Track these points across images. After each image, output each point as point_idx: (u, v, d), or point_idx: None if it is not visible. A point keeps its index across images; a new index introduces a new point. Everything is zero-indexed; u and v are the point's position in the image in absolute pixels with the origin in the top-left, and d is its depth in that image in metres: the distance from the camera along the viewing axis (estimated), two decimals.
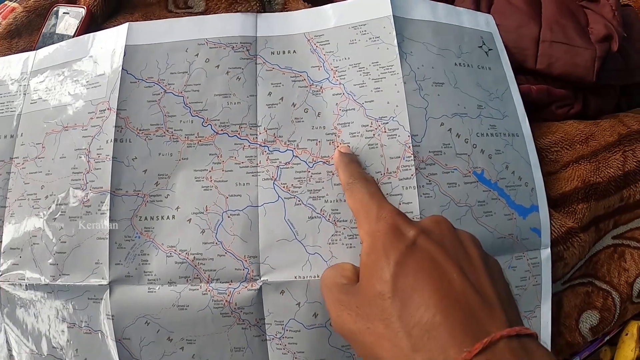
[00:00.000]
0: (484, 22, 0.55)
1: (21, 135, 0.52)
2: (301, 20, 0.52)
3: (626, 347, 0.57)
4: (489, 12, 0.58)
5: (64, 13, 0.61)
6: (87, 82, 0.51)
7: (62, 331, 0.46)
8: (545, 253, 0.49)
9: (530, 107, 0.55)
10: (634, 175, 0.56)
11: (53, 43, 0.58)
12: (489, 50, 0.53)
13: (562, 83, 0.59)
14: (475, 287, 0.32)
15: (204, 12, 0.59)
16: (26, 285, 0.47)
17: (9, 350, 0.48)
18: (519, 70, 0.58)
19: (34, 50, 0.59)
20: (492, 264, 0.36)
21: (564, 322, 0.54)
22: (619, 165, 0.56)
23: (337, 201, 0.45)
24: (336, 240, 0.44)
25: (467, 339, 0.29)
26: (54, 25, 0.61)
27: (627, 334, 0.58)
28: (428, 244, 0.34)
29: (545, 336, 0.50)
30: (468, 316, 0.30)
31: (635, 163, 0.56)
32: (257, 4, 0.57)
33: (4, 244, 0.49)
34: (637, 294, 0.55)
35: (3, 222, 0.50)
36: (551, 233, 0.50)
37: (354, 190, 0.40)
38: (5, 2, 0.78)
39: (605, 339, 0.59)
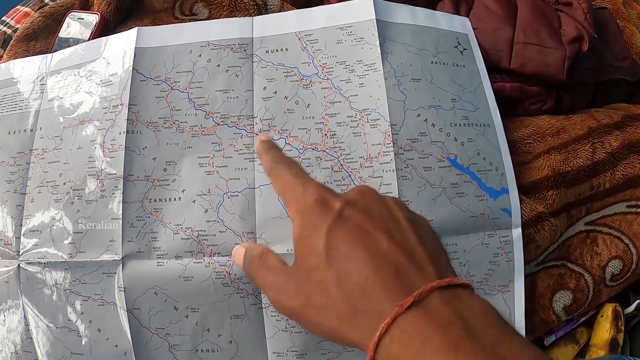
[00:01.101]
0: (460, 24, 0.59)
1: (40, 129, 0.56)
2: (293, 20, 0.56)
3: (601, 328, 0.59)
4: (467, 17, 0.62)
5: (78, 19, 0.65)
6: (101, 80, 0.56)
7: (77, 304, 0.50)
8: (517, 232, 0.52)
9: (504, 103, 0.58)
10: (602, 165, 0.59)
11: (69, 46, 0.62)
12: (464, 49, 0.57)
13: (535, 81, 0.62)
14: (403, 247, 0.33)
15: (208, 19, 0.64)
16: (45, 263, 0.50)
17: (27, 325, 0.51)
18: (495, 70, 0.61)
19: (50, 52, 0.63)
20: (420, 223, 0.37)
21: (538, 301, 0.56)
22: (588, 156, 0.59)
23: (324, 183, 0.49)
24: None
25: (399, 294, 0.30)
26: (70, 29, 0.65)
27: (602, 316, 0.60)
28: (354, 213, 0.35)
29: (519, 311, 0.52)
30: (398, 273, 0.32)
31: (604, 154, 0.59)
32: (255, 12, 0.62)
33: (24, 227, 0.53)
34: (610, 277, 0.58)
35: (23, 207, 0.53)
36: (522, 217, 0.53)
37: (278, 173, 0.40)
38: (18, 7, 0.82)
39: (581, 320, 0.61)
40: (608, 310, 0.60)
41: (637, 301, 0.60)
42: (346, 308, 0.32)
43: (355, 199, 0.36)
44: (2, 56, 0.72)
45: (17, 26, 0.75)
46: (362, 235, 0.34)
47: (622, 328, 0.59)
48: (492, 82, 0.57)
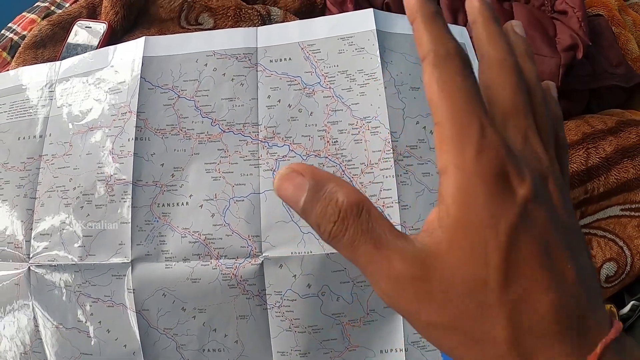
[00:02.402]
0: (457, 33, 0.60)
1: (49, 135, 0.58)
2: (296, 30, 0.57)
3: None
4: (465, 26, 0.63)
5: (86, 27, 0.67)
6: (109, 88, 0.57)
7: (87, 306, 0.51)
8: None
9: None
10: (596, 170, 0.60)
11: (77, 54, 0.63)
12: None
13: None
14: (582, 276, 0.24)
15: (213, 28, 0.65)
16: (55, 265, 0.52)
17: (36, 325, 0.52)
18: None
19: (58, 58, 0.65)
20: (579, 234, 0.27)
21: None
22: (582, 161, 0.60)
23: None
24: None
25: (576, 351, 0.23)
26: (78, 37, 0.67)
27: None
28: (541, 215, 0.24)
29: None
30: (580, 322, 0.23)
31: (598, 159, 0.61)
32: (259, 22, 0.63)
33: (34, 231, 0.54)
34: (605, 279, 0.59)
35: (34, 211, 0.55)
36: None
37: (447, 76, 0.25)
38: (24, 14, 0.83)
39: None
40: None
41: (632, 302, 0.61)
42: (509, 354, 0.23)
43: (540, 187, 0.25)
44: (9, 62, 0.74)
45: (24, 33, 0.77)
46: (548, 255, 0.23)
47: None
48: None
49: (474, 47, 0.59)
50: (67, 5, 0.79)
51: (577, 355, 0.23)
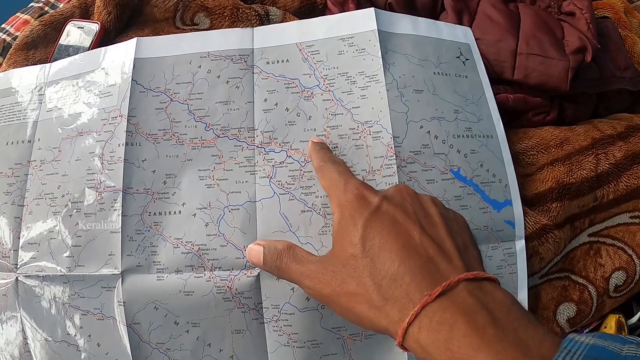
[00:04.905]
0: (462, 34, 0.59)
1: (38, 140, 0.56)
2: (293, 31, 0.56)
3: None
4: (470, 27, 0.62)
5: (78, 28, 0.65)
6: (100, 91, 0.55)
7: (76, 318, 0.49)
8: (520, 244, 0.52)
9: (508, 115, 0.58)
10: (606, 177, 0.59)
11: (69, 55, 0.62)
12: (466, 60, 0.57)
13: (539, 92, 0.62)
14: (434, 239, 0.36)
15: (209, 29, 0.63)
16: (43, 276, 0.50)
17: (24, 338, 0.51)
18: (498, 80, 0.61)
19: (50, 59, 0.63)
20: (454, 218, 0.40)
21: (542, 313, 0.56)
22: (592, 167, 0.58)
23: (326, 196, 0.48)
24: (326, 231, 0.48)
25: (428, 284, 0.33)
26: (70, 38, 0.65)
27: (605, 327, 0.59)
28: (390, 208, 0.38)
29: None
30: (428, 264, 0.34)
31: (607, 165, 0.59)
32: (257, 22, 0.61)
33: (22, 239, 0.52)
34: (614, 289, 0.58)
35: (21, 219, 0.53)
36: (526, 229, 0.53)
37: (325, 170, 0.44)
38: (17, 14, 0.81)
39: (585, 332, 0.60)
40: (611, 321, 0.59)
41: None
42: (377, 295, 0.34)
43: (392, 195, 0.40)
44: (1, 64, 0.72)
45: (17, 34, 0.75)
46: (396, 227, 0.36)
47: None
48: (495, 93, 0.57)
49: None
50: (61, 5, 0.78)
51: (428, 287, 0.32)
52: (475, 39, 0.60)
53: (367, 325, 0.36)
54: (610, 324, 0.59)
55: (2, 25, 0.79)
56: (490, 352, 0.28)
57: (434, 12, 0.66)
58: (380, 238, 0.36)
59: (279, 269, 0.42)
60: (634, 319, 0.60)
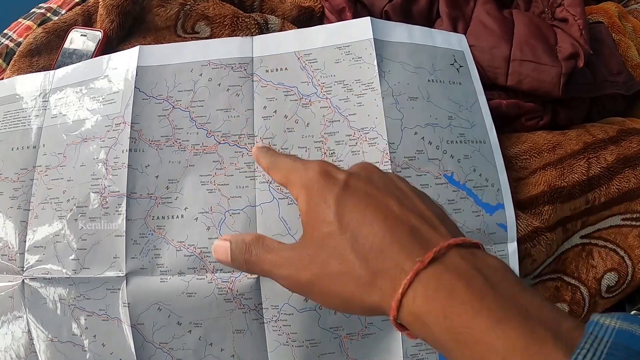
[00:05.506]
0: (456, 41, 0.60)
1: (43, 146, 0.57)
2: (292, 39, 0.57)
3: None
4: (464, 34, 0.62)
5: (81, 35, 0.66)
6: (103, 99, 0.57)
7: (82, 319, 0.50)
8: (512, 247, 0.53)
9: (501, 120, 0.59)
10: (598, 180, 0.60)
11: (72, 63, 0.63)
12: (460, 67, 0.58)
13: (532, 97, 0.63)
14: (413, 210, 0.34)
15: (209, 37, 0.64)
16: (49, 279, 0.51)
17: (30, 338, 0.52)
18: (492, 86, 0.62)
19: (54, 65, 0.64)
20: (423, 194, 0.38)
21: None
22: (583, 171, 0.59)
23: None
24: None
25: (418, 252, 0.31)
26: (73, 45, 0.66)
27: None
28: (360, 183, 0.35)
29: None
30: (414, 233, 0.32)
31: (599, 169, 0.60)
32: (257, 31, 0.63)
33: (28, 243, 0.53)
34: (606, 289, 0.59)
35: (27, 223, 0.54)
36: (518, 232, 0.54)
37: (278, 162, 0.41)
38: (19, 20, 0.82)
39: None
40: None
41: (633, 312, 0.60)
42: (364, 271, 0.32)
43: (358, 171, 0.37)
44: (4, 69, 0.73)
45: (19, 40, 0.76)
46: (372, 200, 0.34)
47: None
48: (488, 99, 0.58)
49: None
50: (63, 12, 0.78)
51: (419, 255, 0.30)
52: (470, 46, 0.61)
53: (356, 307, 0.33)
54: None
55: (5, 31, 0.80)
56: (491, 317, 0.27)
57: (429, 19, 0.68)
58: (357, 212, 0.34)
59: (248, 263, 0.38)
60: None
